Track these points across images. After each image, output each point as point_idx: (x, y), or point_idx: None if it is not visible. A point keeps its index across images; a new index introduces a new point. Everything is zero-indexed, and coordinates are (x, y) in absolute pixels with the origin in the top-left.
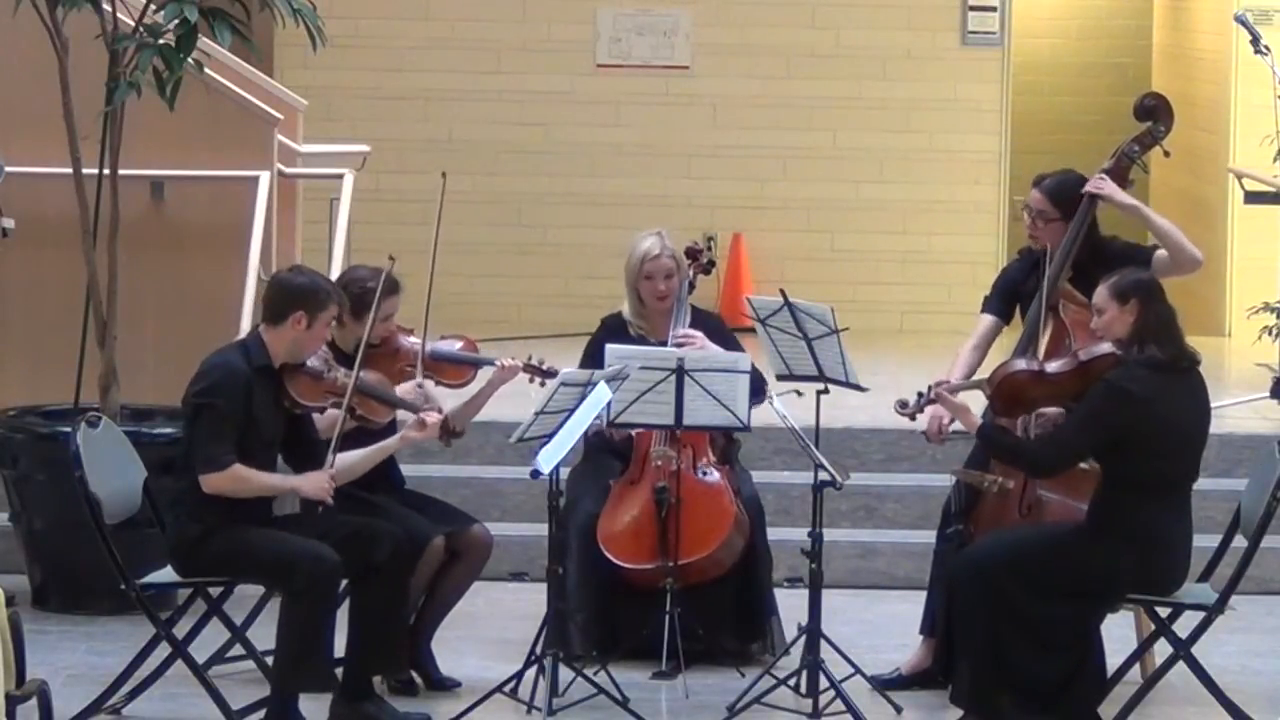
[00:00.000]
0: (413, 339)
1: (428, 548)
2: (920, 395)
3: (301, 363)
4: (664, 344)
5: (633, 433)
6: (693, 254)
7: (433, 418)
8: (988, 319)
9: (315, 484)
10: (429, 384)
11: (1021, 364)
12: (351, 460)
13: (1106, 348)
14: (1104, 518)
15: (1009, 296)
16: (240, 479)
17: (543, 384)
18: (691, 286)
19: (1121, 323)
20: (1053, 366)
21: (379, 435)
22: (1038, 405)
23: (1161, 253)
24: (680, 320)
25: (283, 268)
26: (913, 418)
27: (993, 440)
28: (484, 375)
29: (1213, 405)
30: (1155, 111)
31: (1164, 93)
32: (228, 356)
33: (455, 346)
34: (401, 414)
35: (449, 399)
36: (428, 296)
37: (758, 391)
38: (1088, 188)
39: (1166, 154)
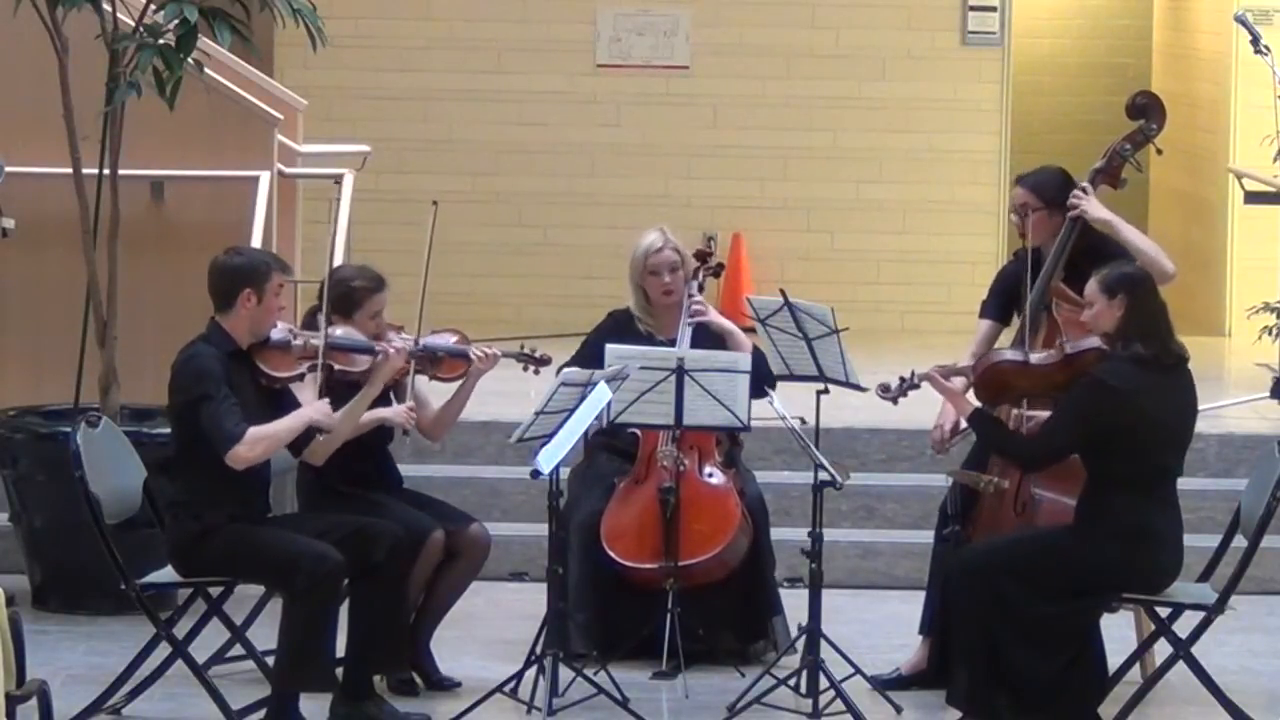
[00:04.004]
0: (404, 336)
1: (428, 541)
2: (903, 380)
3: (266, 338)
4: (672, 341)
5: (638, 432)
6: (702, 256)
7: (393, 346)
8: (986, 324)
9: (317, 408)
10: (421, 380)
11: (1008, 354)
12: (338, 417)
13: (1093, 342)
14: (1089, 514)
15: (1005, 299)
16: (262, 438)
17: (536, 372)
18: (700, 289)
19: (1109, 317)
20: (1037, 358)
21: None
22: (1022, 396)
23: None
24: (686, 316)
25: (217, 253)
26: (895, 402)
27: (983, 428)
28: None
29: (1213, 405)
30: (1147, 110)
31: (1163, 92)
32: (195, 349)
33: (449, 341)
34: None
35: (433, 393)
36: (421, 302)
37: (766, 381)
38: (1069, 211)
39: (1159, 151)
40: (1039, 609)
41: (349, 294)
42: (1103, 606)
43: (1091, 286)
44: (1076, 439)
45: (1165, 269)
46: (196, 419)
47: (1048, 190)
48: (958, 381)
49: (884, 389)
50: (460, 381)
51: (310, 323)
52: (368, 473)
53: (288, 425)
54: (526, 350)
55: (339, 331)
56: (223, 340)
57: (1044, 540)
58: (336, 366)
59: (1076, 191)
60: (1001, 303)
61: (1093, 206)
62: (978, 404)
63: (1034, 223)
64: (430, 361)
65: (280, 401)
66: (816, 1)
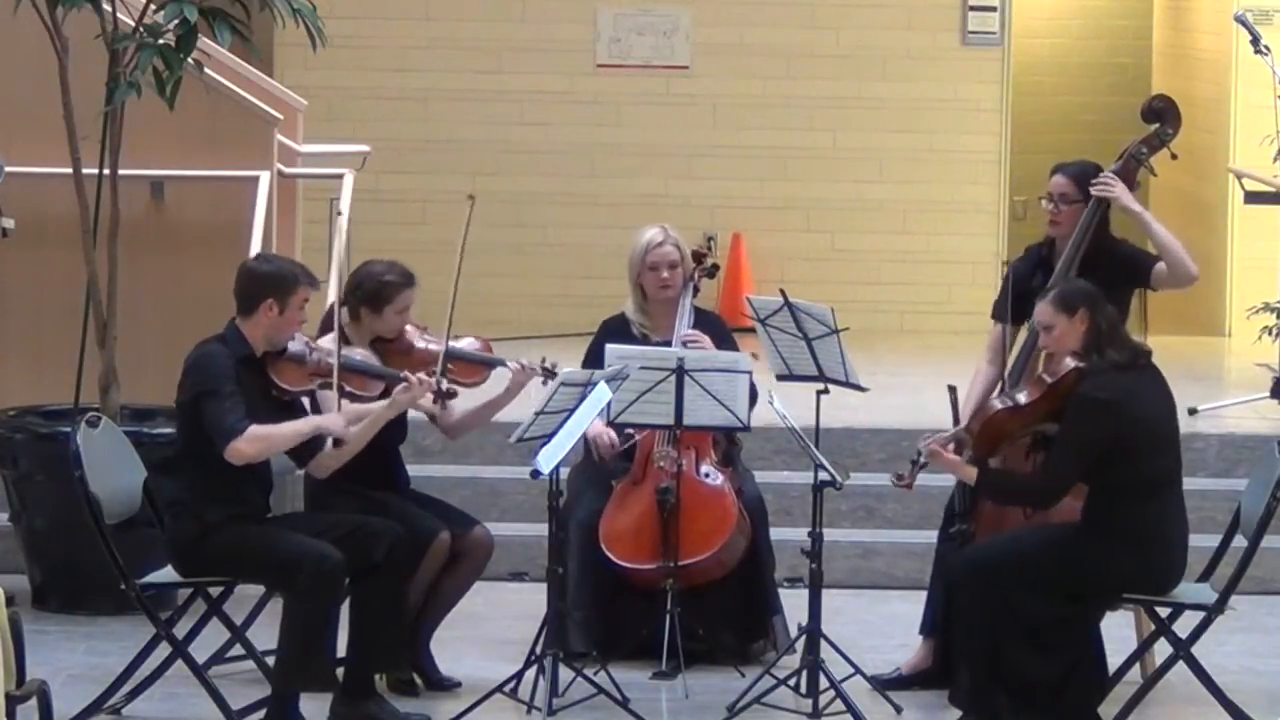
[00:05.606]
0: (427, 337)
1: (434, 543)
2: (913, 463)
3: (283, 349)
4: (667, 343)
5: (635, 433)
6: (698, 257)
7: (419, 377)
8: (999, 327)
9: (333, 419)
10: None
11: (996, 403)
12: (352, 433)
13: (1070, 363)
14: (1099, 521)
15: (1017, 297)
16: (262, 437)
17: (544, 383)
18: (696, 290)
19: (1074, 334)
20: (1024, 397)
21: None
22: (1019, 437)
23: (1162, 265)
24: (684, 322)
25: (248, 258)
26: (909, 487)
27: (993, 488)
28: (498, 377)
29: (1213, 405)
30: (1163, 114)
31: (1164, 93)
32: (207, 348)
33: (471, 346)
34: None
35: (462, 399)
36: (452, 302)
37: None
38: (1095, 189)
39: (1174, 156)
40: (1043, 610)
41: (380, 289)
42: (1107, 607)
43: (1045, 310)
44: (1086, 462)
45: (1190, 270)
46: (200, 415)
47: (1087, 181)
48: (955, 446)
49: (899, 478)
50: (483, 385)
51: (328, 320)
52: (376, 473)
53: (294, 429)
54: (547, 365)
55: (358, 355)
56: (239, 343)
57: (1051, 542)
58: (348, 389)
59: (1104, 176)
60: (1014, 302)
61: (1122, 191)
62: (979, 467)
63: (1069, 213)
64: (452, 364)
65: (289, 413)
66: (816, 1)
